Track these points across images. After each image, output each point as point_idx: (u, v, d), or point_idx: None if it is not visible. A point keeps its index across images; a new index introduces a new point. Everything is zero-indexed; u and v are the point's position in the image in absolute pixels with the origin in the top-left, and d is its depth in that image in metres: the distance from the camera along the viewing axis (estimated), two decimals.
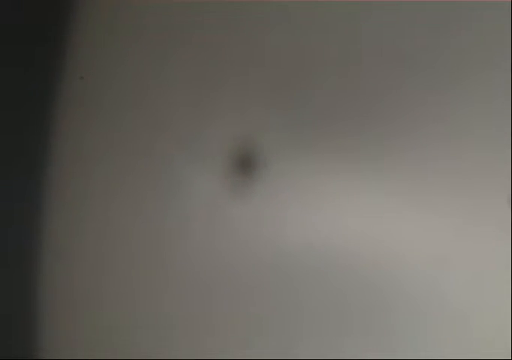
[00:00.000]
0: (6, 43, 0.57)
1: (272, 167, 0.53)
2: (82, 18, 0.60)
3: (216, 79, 0.56)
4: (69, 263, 0.60)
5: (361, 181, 0.50)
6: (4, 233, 0.60)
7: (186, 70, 0.57)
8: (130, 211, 0.59)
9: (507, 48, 0.45)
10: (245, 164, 0.54)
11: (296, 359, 0.52)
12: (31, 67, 0.58)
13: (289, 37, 0.53)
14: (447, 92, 0.47)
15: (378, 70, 0.50)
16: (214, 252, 0.55)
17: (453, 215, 0.47)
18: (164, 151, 0.57)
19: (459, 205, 0.46)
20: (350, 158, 0.50)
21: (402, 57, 0.49)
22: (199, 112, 0.56)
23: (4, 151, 0.58)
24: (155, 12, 0.58)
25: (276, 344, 0.53)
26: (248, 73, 0.54)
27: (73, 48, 0.60)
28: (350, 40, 0.51)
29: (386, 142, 0.50)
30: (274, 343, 0.53)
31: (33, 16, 0.59)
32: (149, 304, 0.57)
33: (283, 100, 0.53)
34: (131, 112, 0.59)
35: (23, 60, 0.58)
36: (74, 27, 0.60)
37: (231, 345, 0.54)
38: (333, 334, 0.51)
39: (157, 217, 0.57)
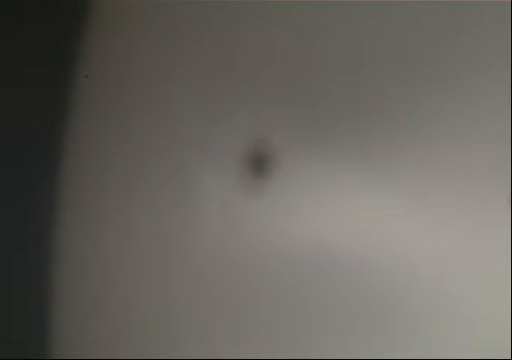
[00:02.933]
0: (9, 42, 0.57)
1: (284, 166, 0.53)
2: (89, 16, 0.60)
3: (228, 79, 0.56)
4: (80, 263, 0.61)
5: (366, 181, 0.50)
6: (15, 235, 0.60)
7: (197, 69, 0.57)
8: (142, 212, 0.59)
9: (507, 48, 0.45)
10: (256, 164, 0.54)
11: (302, 359, 0.52)
12: (36, 66, 0.59)
13: (300, 38, 0.53)
14: (448, 93, 0.47)
15: (388, 71, 0.50)
16: (226, 251, 0.55)
17: (452, 215, 0.46)
18: (176, 151, 0.58)
19: (459, 205, 0.46)
20: (362, 157, 0.50)
21: (408, 57, 0.49)
22: (211, 112, 0.56)
23: (10, 154, 0.59)
24: (163, 11, 0.58)
25: (282, 344, 0.53)
26: (260, 74, 0.55)
27: (81, 47, 0.60)
28: (360, 42, 0.51)
29: (390, 142, 0.50)
30: (280, 343, 0.53)
31: (38, 14, 0.59)
32: (160, 304, 0.58)
33: (294, 100, 0.53)
34: (142, 113, 0.59)
35: (27, 59, 0.59)
36: (81, 25, 0.60)
37: (239, 345, 0.55)
38: (339, 334, 0.51)
39: (169, 217, 0.58)
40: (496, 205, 0.45)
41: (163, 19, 0.59)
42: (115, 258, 0.60)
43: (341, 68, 0.52)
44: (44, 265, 0.60)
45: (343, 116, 0.51)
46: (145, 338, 0.58)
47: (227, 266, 0.55)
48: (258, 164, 0.55)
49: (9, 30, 0.58)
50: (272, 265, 0.54)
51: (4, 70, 0.58)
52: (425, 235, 0.47)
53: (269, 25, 0.54)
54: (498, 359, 0.44)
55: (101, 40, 0.61)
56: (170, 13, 0.58)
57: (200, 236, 0.56)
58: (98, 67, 0.61)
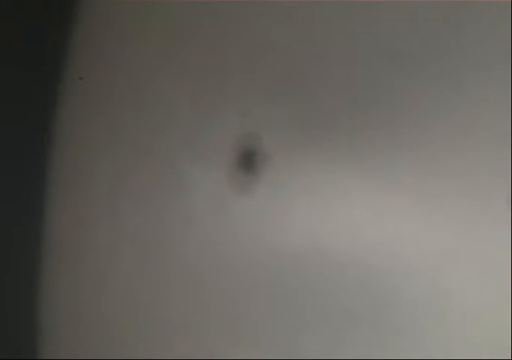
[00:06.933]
0: (5, 43, 0.57)
1: (276, 165, 0.53)
2: (82, 17, 0.60)
3: (220, 76, 0.56)
4: (71, 262, 0.60)
5: (362, 181, 0.50)
6: (7, 233, 0.60)
7: (189, 67, 0.57)
8: (133, 210, 0.59)
9: (507, 48, 0.45)
10: (248, 162, 0.54)
11: (298, 359, 0.52)
12: (31, 67, 0.59)
13: (293, 35, 0.53)
14: (447, 92, 0.47)
15: (383, 69, 0.50)
16: (217, 249, 0.55)
17: (452, 215, 0.46)
18: (167, 148, 0.58)
19: (459, 204, 0.46)
20: (354, 156, 0.50)
21: (406, 55, 0.49)
22: (202, 109, 0.56)
23: (4, 153, 0.58)
24: (155, 10, 0.58)
25: (278, 343, 0.53)
26: (252, 70, 0.54)
27: (73, 48, 0.60)
28: (356, 39, 0.51)
29: (387, 141, 0.50)
30: (275, 343, 0.53)
31: (32, 16, 0.59)
32: (152, 303, 0.58)
33: (287, 97, 0.53)
34: (132, 110, 0.59)
35: (22, 60, 0.59)
36: (73, 27, 0.60)
37: (233, 344, 0.54)
38: (335, 334, 0.51)
39: (160, 215, 0.58)
40: (496, 205, 0.45)
41: (154, 18, 0.58)
42: (107, 257, 0.60)
43: (337, 65, 0.52)
44: (35, 265, 0.60)
45: (338, 114, 0.51)
46: (137, 338, 0.58)
47: (220, 266, 0.55)
48: (251, 163, 0.54)
49: (1, 31, 0.58)
50: (266, 264, 0.54)
51: None
52: (423, 235, 0.48)
53: (263, 21, 0.54)
54: (498, 359, 0.44)
55: (93, 41, 0.61)
56: (161, 11, 0.58)
57: (191, 235, 0.56)
58: (92, 68, 0.61)
